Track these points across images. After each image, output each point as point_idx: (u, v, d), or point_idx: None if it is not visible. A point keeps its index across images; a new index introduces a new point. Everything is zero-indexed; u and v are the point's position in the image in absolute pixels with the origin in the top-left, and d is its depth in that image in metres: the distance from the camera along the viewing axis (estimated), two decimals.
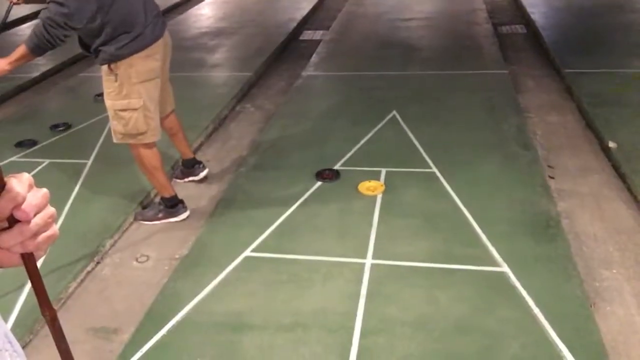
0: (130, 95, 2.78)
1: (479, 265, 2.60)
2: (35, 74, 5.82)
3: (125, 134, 2.89)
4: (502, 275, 2.53)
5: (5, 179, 0.55)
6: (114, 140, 2.96)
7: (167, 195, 3.14)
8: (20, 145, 4.05)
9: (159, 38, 2.83)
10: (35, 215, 0.57)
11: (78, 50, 2.86)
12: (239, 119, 4.63)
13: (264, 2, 8.81)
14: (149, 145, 2.97)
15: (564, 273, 2.51)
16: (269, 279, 2.59)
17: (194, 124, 4.11)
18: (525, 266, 2.57)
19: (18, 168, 3.72)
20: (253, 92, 5.22)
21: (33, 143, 4.08)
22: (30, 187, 0.57)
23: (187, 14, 8.38)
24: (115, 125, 2.89)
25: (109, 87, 2.80)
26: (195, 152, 3.77)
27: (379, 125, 4.10)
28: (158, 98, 2.94)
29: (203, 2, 9.18)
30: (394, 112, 4.30)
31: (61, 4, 2.50)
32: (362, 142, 3.87)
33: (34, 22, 2.55)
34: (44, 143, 4.10)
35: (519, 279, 2.48)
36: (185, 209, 3.19)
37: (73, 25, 2.56)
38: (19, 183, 0.56)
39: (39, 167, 3.72)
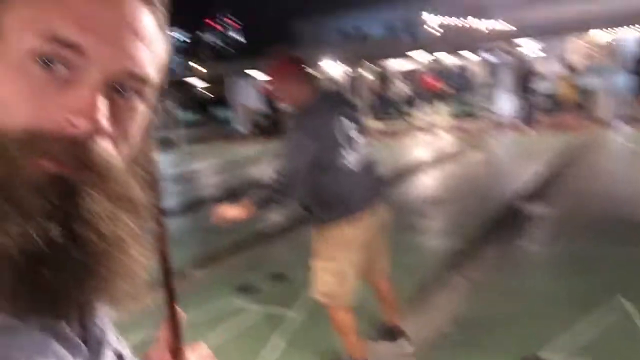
0: (330, 257, 2.88)
1: None
2: (266, 227, 6.55)
3: (320, 292, 2.97)
4: None
5: (184, 349, 0.58)
6: (312, 294, 3.07)
7: (357, 357, 3.07)
8: (241, 289, 4.45)
9: (367, 209, 2.90)
10: None
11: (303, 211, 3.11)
12: (444, 288, 4.47)
13: (484, 171, 8.88)
14: (342, 308, 2.98)
15: None
16: None
17: (397, 288, 4.07)
18: None
19: (234, 312, 4.08)
20: (463, 261, 5.07)
21: (252, 289, 4.46)
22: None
23: (407, 182, 8.81)
24: (314, 281, 3.00)
25: (315, 245, 2.97)
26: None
27: (599, 310, 3.57)
28: (360, 266, 2.97)
29: (424, 173, 9.62)
30: (619, 296, 3.73)
31: (290, 170, 2.73)
32: (576, 327, 3.38)
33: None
34: (261, 290, 4.45)
35: None
36: None
37: (293, 193, 2.81)
38: (196, 356, 0.58)
39: (251, 313, 4.00)
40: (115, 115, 0.49)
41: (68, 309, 0.47)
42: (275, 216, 7.41)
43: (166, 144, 20.29)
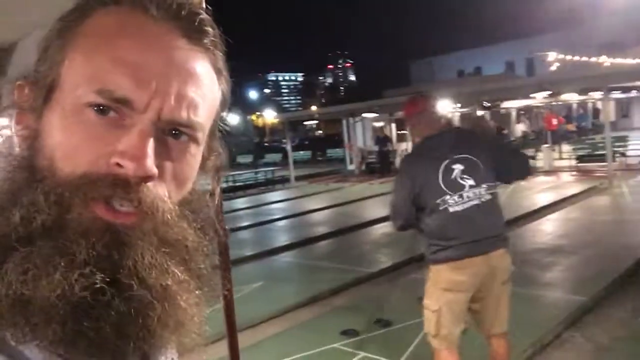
0: (432, 296, 2.89)
1: None
2: (373, 270, 6.50)
3: (425, 330, 2.99)
4: None
5: None
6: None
7: None
8: (345, 333, 4.42)
9: (473, 257, 2.82)
10: None
11: (415, 251, 3.14)
12: (563, 348, 4.11)
13: (611, 222, 8.17)
14: (443, 351, 2.92)
15: None
16: None
17: (512, 344, 3.82)
18: None
19: (337, 356, 4.05)
20: (585, 320, 4.64)
21: (355, 334, 4.41)
22: None
23: (525, 228, 8.34)
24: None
25: (426, 282, 2.97)
26: None
27: None
28: (461, 310, 2.90)
29: (544, 218, 9.06)
30: None
31: (392, 204, 2.97)
32: None
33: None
34: (364, 336, 4.39)
35: None
36: None
37: (396, 225, 2.97)
38: None
39: (354, 359, 3.95)
40: (167, 158, 0.50)
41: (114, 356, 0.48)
42: (383, 257, 7.34)
43: (279, 182, 21.04)
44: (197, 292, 0.52)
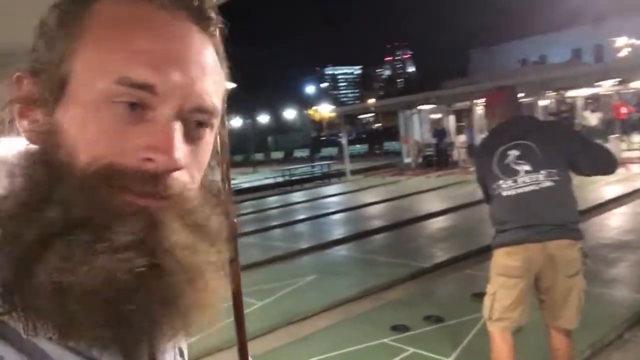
0: (490, 280, 2.94)
1: None
2: (427, 264, 6.39)
3: (482, 314, 3.01)
4: None
5: None
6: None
7: None
8: (395, 328, 4.37)
9: (522, 243, 2.81)
10: None
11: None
12: (625, 348, 3.90)
13: None
14: (496, 334, 2.93)
15: None
16: None
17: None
18: None
19: (387, 351, 4.01)
20: None
21: (405, 329, 4.35)
22: None
23: (591, 222, 7.96)
24: None
25: None
26: None
27: None
28: (517, 298, 2.85)
29: (610, 212, 8.63)
30: None
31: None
32: None
33: None
34: (415, 332, 4.32)
35: None
36: None
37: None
38: None
39: (403, 354, 3.90)
40: (189, 145, 0.50)
41: (145, 342, 0.49)
42: (439, 252, 7.22)
43: (335, 176, 21.08)
44: (221, 273, 0.53)
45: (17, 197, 0.47)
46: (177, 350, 0.59)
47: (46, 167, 0.48)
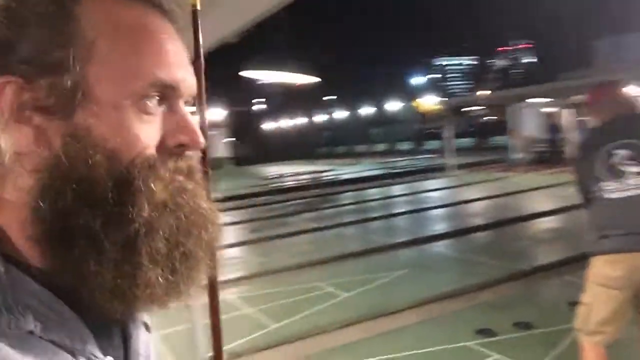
0: (587, 289, 2.75)
1: None
2: (525, 267, 6.07)
3: (574, 324, 2.82)
4: None
5: None
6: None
7: None
8: (481, 332, 4.20)
9: (627, 252, 2.59)
10: None
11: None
12: None
13: None
14: (589, 348, 2.73)
15: None
16: None
17: None
18: None
19: (468, 355, 3.88)
20: None
21: (491, 334, 4.17)
22: None
23: None
24: None
25: None
26: None
27: None
28: (616, 311, 2.65)
29: None
30: None
31: None
32: None
33: None
34: (501, 337, 4.13)
35: None
36: None
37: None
38: None
39: None
40: None
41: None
42: (540, 255, 6.85)
43: (437, 170, 20.59)
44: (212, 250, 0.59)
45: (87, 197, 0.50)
46: (142, 325, 0.61)
47: (84, 170, 0.48)
